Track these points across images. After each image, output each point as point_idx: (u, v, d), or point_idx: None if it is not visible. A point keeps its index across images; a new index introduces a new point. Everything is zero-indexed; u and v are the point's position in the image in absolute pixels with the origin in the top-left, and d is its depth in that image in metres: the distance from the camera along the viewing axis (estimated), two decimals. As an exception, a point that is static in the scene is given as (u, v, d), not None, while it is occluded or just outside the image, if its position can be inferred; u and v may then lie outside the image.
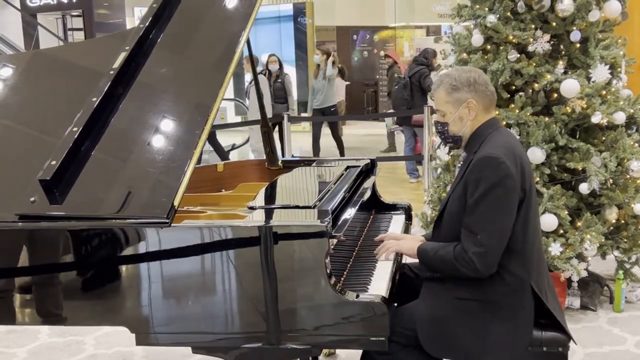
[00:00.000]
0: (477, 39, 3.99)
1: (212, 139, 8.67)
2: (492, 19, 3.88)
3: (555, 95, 3.85)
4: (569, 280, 3.86)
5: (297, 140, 11.09)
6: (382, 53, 12.07)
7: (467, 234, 2.18)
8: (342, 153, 9.20)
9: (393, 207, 3.23)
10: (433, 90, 2.37)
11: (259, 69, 8.97)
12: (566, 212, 3.71)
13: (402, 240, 2.54)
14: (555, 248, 3.66)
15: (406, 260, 2.58)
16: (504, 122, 3.76)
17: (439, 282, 2.29)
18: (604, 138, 3.90)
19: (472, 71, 2.32)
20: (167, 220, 2.14)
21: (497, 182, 2.14)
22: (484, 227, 2.15)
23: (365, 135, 12.97)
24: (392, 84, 11.12)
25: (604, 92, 3.83)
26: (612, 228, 3.90)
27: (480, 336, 2.21)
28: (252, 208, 2.39)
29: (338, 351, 3.45)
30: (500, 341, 2.20)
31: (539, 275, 2.28)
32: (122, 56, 2.58)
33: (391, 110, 10.12)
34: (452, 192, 2.31)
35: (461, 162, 2.41)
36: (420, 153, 7.91)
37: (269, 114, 8.27)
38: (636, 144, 3.92)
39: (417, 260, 2.39)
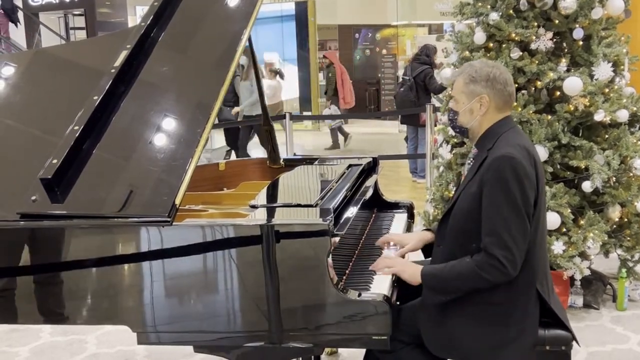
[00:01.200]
0: (480, 37, 3.98)
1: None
2: (494, 16, 3.87)
3: (558, 93, 3.83)
4: (572, 279, 3.85)
5: (300, 138, 11.10)
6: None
7: (491, 238, 2.11)
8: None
9: (395, 206, 3.23)
10: (455, 76, 2.34)
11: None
12: (569, 211, 3.70)
13: (403, 265, 2.36)
14: (557, 246, 3.65)
15: (408, 258, 2.57)
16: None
17: None
18: (606, 136, 3.89)
19: (495, 67, 2.27)
20: (168, 219, 2.14)
21: (517, 182, 2.10)
22: (509, 229, 2.10)
23: (368, 134, 12.96)
24: (329, 83, 11.13)
25: (606, 90, 3.82)
26: (615, 226, 3.89)
27: (485, 339, 2.19)
28: (253, 207, 2.38)
29: (340, 350, 3.45)
30: (504, 343, 2.18)
31: (544, 275, 2.26)
32: (123, 55, 2.58)
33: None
34: (464, 188, 2.26)
35: (472, 159, 2.36)
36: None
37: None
38: (639, 142, 3.91)
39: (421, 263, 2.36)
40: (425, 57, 7.78)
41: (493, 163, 2.15)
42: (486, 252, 2.11)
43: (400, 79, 8.10)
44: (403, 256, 2.54)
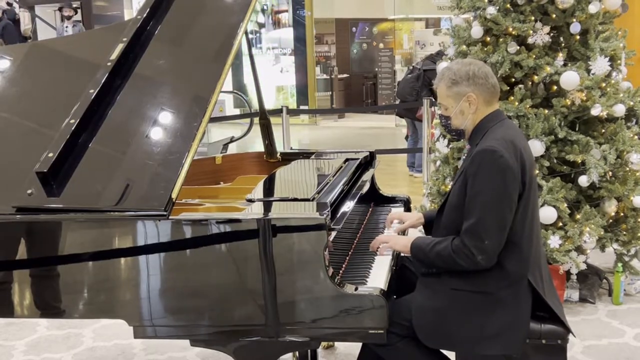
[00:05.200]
0: (477, 31, 3.98)
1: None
2: (491, 10, 3.87)
3: (555, 87, 3.83)
4: (568, 273, 3.86)
5: (297, 132, 11.09)
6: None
7: (467, 227, 2.17)
8: None
9: (392, 200, 3.23)
10: (435, 84, 2.36)
11: None
12: (565, 205, 3.70)
13: (397, 238, 2.50)
14: (554, 241, 3.66)
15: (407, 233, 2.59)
16: (503, 115, 3.75)
17: (435, 274, 2.29)
18: (603, 130, 3.90)
19: (472, 64, 2.30)
20: (165, 213, 2.13)
21: (496, 175, 2.14)
22: (484, 220, 2.14)
23: (364, 128, 12.95)
24: None
25: (603, 85, 3.82)
26: (611, 221, 3.89)
27: (476, 328, 2.21)
28: (250, 201, 2.38)
29: (337, 343, 3.45)
30: (495, 333, 2.20)
31: (537, 268, 2.28)
32: (119, 48, 2.57)
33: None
34: (454, 184, 2.31)
35: (465, 155, 2.40)
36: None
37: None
38: (636, 137, 3.91)
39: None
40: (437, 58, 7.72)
41: (475, 156, 2.19)
42: (461, 239, 2.18)
43: (411, 67, 7.99)
44: (404, 233, 2.69)
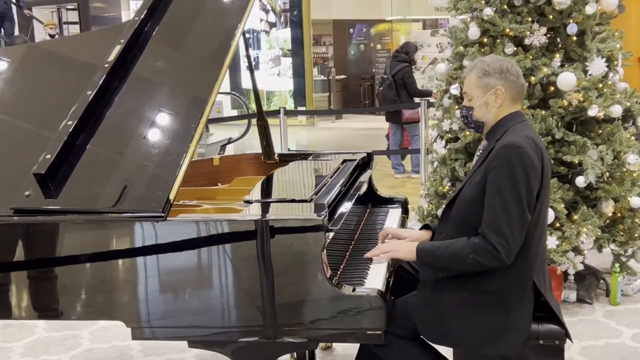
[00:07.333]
0: (474, 32, 3.99)
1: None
2: (488, 11, 3.88)
3: (552, 88, 3.84)
4: (565, 274, 3.86)
5: (294, 134, 11.09)
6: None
7: (490, 224, 2.14)
8: None
9: (390, 201, 3.23)
10: (465, 73, 2.37)
11: None
12: (563, 206, 3.71)
13: (398, 245, 2.42)
14: (551, 241, 3.66)
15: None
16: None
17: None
18: (600, 131, 3.90)
19: (506, 60, 2.32)
20: (162, 214, 2.13)
21: (522, 171, 2.12)
22: (507, 217, 2.12)
23: (362, 129, 12.96)
24: None
25: (600, 85, 3.83)
26: (608, 221, 3.90)
27: (478, 327, 2.21)
28: (248, 202, 2.38)
29: (335, 344, 3.46)
30: (497, 334, 2.20)
31: (541, 269, 2.28)
32: (117, 49, 2.57)
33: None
34: (470, 177, 2.28)
35: (480, 150, 2.38)
36: (408, 148, 7.89)
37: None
38: (632, 137, 3.92)
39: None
40: (404, 55, 7.68)
41: (499, 151, 2.18)
42: (483, 236, 2.14)
43: (380, 78, 8.06)
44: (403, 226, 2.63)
